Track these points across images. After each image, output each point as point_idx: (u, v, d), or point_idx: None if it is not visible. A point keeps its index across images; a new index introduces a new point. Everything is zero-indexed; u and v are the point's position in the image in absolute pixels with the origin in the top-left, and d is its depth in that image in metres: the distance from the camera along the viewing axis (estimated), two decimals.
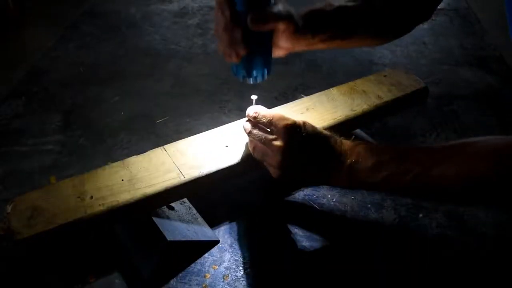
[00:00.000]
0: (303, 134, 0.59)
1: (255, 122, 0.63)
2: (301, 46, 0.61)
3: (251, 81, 0.61)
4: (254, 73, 0.60)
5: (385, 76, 0.85)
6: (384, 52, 1.19)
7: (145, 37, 1.31)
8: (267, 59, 0.61)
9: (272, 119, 0.60)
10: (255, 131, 0.62)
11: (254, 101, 0.67)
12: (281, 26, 0.57)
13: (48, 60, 1.19)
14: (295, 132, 0.58)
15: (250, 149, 0.64)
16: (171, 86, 1.07)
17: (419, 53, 1.19)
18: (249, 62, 0.59)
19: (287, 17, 0.57)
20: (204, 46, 1.25)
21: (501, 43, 1.20)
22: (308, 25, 0.59)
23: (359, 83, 0.83)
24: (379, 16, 0.64)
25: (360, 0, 0.63)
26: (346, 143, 0.59)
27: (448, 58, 1.17)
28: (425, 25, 1.32)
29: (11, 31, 1.36)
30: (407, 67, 1.03)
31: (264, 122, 0.61)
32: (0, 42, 1.30)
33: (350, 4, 0.62)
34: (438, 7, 0.68)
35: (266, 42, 0.59)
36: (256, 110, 0.63)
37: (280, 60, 1.24)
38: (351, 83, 0.84)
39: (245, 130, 0.65)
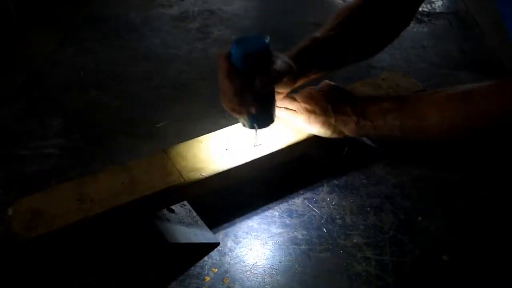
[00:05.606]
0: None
1: None
2: (297, 86, 0.70)
3: (259, 128, 0.67)
4: (263, 123, 0.67)
5: (383, 79, 0.86)
6: (382, 55, 1.19)
7: (145, 41, 1.31)
8: (273, 108, 0.67)
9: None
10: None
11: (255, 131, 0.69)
12: (284, 79, 0.64)
13: (48, 64, 1.19)
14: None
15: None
16: (171, 90, 1.07)
17: (418, 57, 1.19)
18: (260, 115, 0.65)
19: (288, 70, 0.63)
20: (204, 50, 1.25)
21: (500, 47, 1.20)
22: (301, 68, 0.67)
23: (357, 87, 0.84)
24: (361, 40, 0.73)
25: (339, 27, 0.71)
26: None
27: (447, 61, 1.17)
28: (424, 29, 1.33)
29: (12, 35, 1.37)
30: (406, 70, 1.03)
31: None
32: (1, 46, 1.30)
33: (332, 33, 0.70)
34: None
35: (271, 95, 0.66)
36: None
37: None
38: (349, 87, 0.84)
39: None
